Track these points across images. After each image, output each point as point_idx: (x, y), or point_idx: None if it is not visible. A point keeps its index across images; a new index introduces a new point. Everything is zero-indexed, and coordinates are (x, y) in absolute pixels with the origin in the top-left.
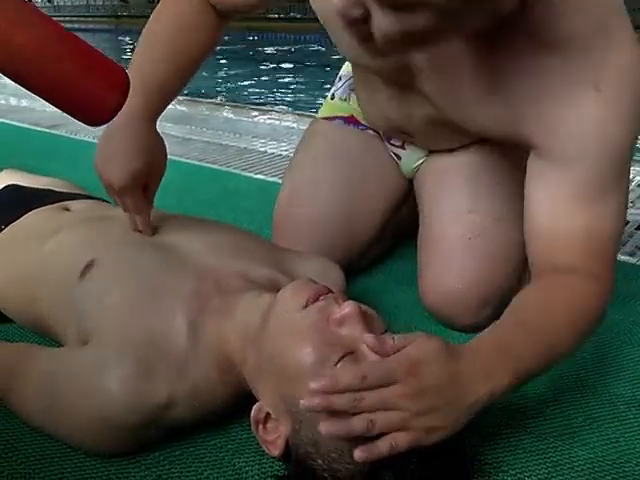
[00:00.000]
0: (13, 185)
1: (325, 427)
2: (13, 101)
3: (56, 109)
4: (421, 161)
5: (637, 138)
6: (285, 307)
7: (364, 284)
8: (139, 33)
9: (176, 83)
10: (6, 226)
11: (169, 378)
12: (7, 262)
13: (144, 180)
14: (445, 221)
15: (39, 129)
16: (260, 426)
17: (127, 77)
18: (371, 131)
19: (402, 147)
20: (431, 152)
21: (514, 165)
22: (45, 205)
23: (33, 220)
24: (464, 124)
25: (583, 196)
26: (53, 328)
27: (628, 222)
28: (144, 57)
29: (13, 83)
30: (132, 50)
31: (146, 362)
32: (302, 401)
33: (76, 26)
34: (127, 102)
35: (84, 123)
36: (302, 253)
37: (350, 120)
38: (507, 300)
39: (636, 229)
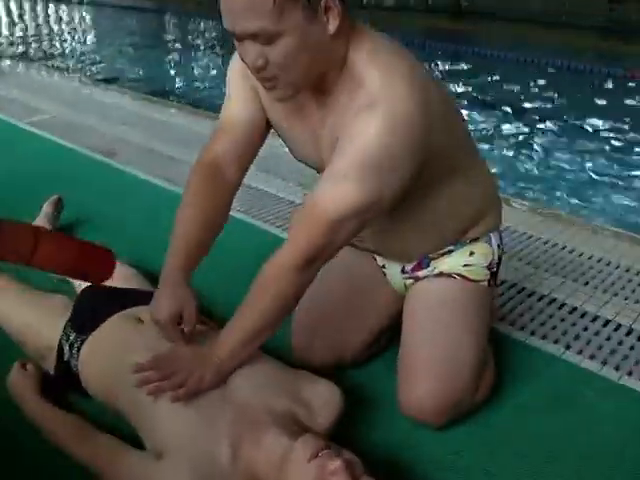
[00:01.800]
0: (89, 290)
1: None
2: (76, 118)
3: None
4: (409, 281)
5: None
6: (297, 457)
7: (356, 393)
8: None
9: (202, 249)
10: (92, 331)
11: None
12: (96, 366)
13: (178, 319)
14: (417, 343)
15: (95, 156)
16: None
17: (113, 257)
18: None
19: (383, 266)
20: (404, 270)
21: (472, 297)
22: (122, 309)
23: (114, 330)
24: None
25: (328, 177)
26: (130, 421)
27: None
28: (179, 226)
29: None
30: (175, 26)
31: None
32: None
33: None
34: (170, 262)
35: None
36: (312, 378)
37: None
38: (464, 405)
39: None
